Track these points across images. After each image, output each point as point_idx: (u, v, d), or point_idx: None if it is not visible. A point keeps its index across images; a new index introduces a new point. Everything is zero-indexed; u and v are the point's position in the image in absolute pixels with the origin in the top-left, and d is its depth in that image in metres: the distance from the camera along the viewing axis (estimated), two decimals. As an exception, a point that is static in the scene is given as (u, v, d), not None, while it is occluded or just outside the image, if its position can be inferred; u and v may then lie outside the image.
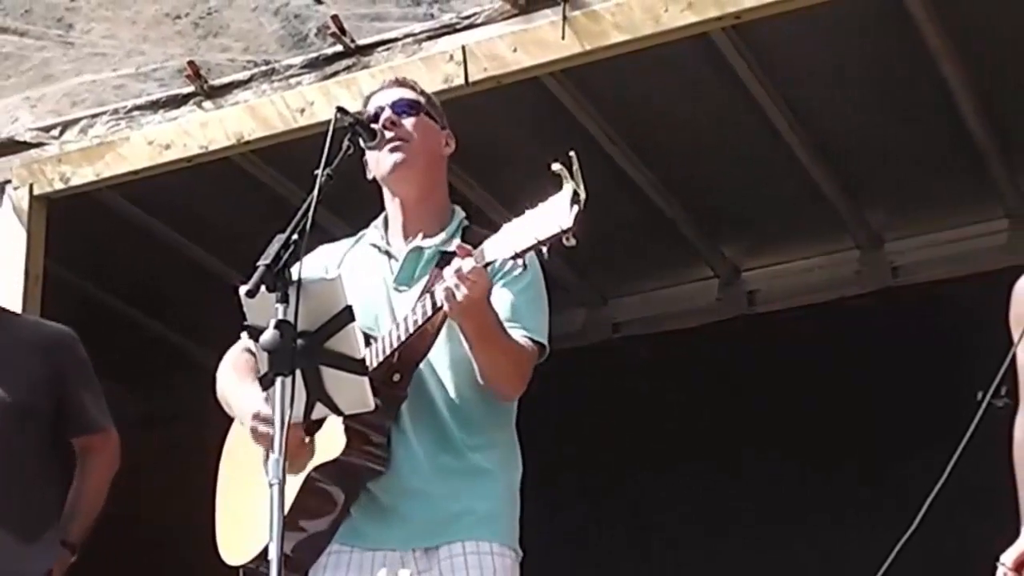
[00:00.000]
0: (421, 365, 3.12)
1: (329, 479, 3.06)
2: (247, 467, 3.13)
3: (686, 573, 5.82)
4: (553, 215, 2.73)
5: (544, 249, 2.76)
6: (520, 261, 2.81)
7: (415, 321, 3.02)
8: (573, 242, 2.72)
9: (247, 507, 3.12)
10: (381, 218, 3.34)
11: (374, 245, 3.31)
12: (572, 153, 2.77)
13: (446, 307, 2.89)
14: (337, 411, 2.93)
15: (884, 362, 5.72)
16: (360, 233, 3.39)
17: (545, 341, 3.13)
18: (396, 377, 3.07)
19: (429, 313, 3.00)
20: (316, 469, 3.05)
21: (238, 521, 3.18)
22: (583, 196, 2.73)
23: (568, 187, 2.74)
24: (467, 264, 2.84)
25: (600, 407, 6.20)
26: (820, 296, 6.16)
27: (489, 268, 3.05)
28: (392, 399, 3.06)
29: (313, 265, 3.26)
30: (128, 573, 6.25)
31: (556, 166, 2.79)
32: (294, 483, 3.02)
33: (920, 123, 5.37)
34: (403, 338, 3.03)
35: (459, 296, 2.84)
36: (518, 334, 3.07)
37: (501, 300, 3.09)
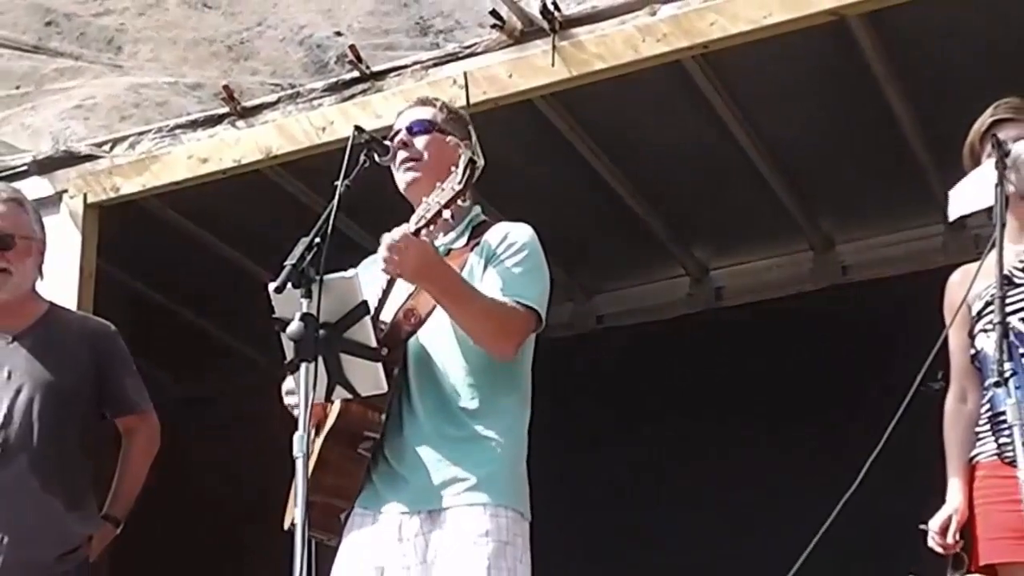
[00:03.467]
0: (426, 341, 3.09)
1: (336, 443, 3.04)
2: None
3: (664, 533, 5.83)
4: (451, 181, 2.89)
5: (447, 212, 2.90)
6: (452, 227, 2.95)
7: (379, 297, 3.03)
8: (468, 202, 2.94)
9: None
10: None
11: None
12: (470, 127, 2.95)
13: (392, 273, 2.94)
14: (355, 393, 2.94)
15: (834, 349, 5.72)
16: None
17: (536, 306, 3.05)
18: (385, 351, 3.02)
19: (384, 286, 3.02)
20: (326, 435, 3.04)
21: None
22: (480, 162, 2.90)
23: (465, 155, 2.88)
24: (395, 233, 2.88)
25: (585, 388, 6.19)
26: (779, 292, 6.16)
27: (485, 248, 3.11)
28: (386, 371, 3.00)
29: (364, 267, 3.27)
30: (172, 537, 6.25)
31: (451, 139, 2.96)
32: (315, 452, 3.01)
33: (866, 140, 5.37)
34: (371, 313, 3.00)
35: (393, 262, 2.88)
36: (508, 299, 3.03)
37: (498, 272, 3.07)
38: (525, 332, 3.08)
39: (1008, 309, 3.14)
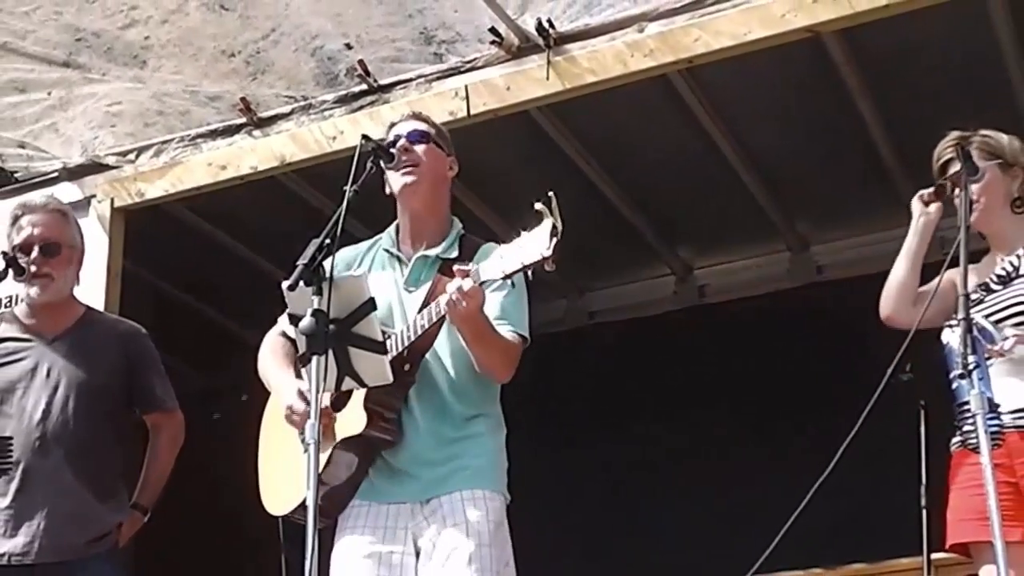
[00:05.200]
0: (430, 358, 3.13)
1: (352, 449, 3.08)
2: (283, 435, 3.14)
3: (652, 517, 5.83)
4: (536, 244, 2.75)
5: (529, 272, 2.81)
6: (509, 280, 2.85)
7: (423, 325, 3.05)
8: (553, 267, 2.74)
9: (285, 468, 3.12)
10: (393, 226, 3.34)
11: (387, 250, 3.30)
12: (551, 193, 2.77)
13: (449, 316, 2.94)
14: (362, 384, 2.94)
15: (810, 342, 5.72)
16: (376, 238, 3.38)
17: (527, 334, 3.14)
18: (407, 367, 3.08)
19: (435, 319, 3.03)
20: (342, 441, 3.06)
21: (279, 479, 3.19)
22: (560, 229, 2.75)
23: (548, 221, 2.75)
24: (467, 284, 2.88)
25: (577, 380, 6.19)
26: (758, 289, 6.16)
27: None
28: (403, 384, 3.07)
29: (336, 263, 3.27)
30: (190, 521, 6.25)
31: (538, 205, 2.79)
32: (324, 452, 3.03)
33: (840, 149, 5.38)
34: (413, 338, 3.05)
35: (460, 308, 2.88)
36: (506, 330, 3.08)
37: (493, 303, 3.09)
38: (518, 358, 3.14)
39: (988, 311, 3.16)
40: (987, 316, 3.19)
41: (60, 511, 3.72)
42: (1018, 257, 3.30)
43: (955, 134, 3.40)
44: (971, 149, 3.33)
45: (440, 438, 3.07)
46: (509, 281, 3.05)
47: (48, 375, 3.83)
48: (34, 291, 3.87)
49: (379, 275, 3.21)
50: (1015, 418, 3.10)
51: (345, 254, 3.31)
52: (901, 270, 3.38)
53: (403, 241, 3.27)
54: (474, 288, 2.87)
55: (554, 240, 2.72)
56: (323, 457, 3.01)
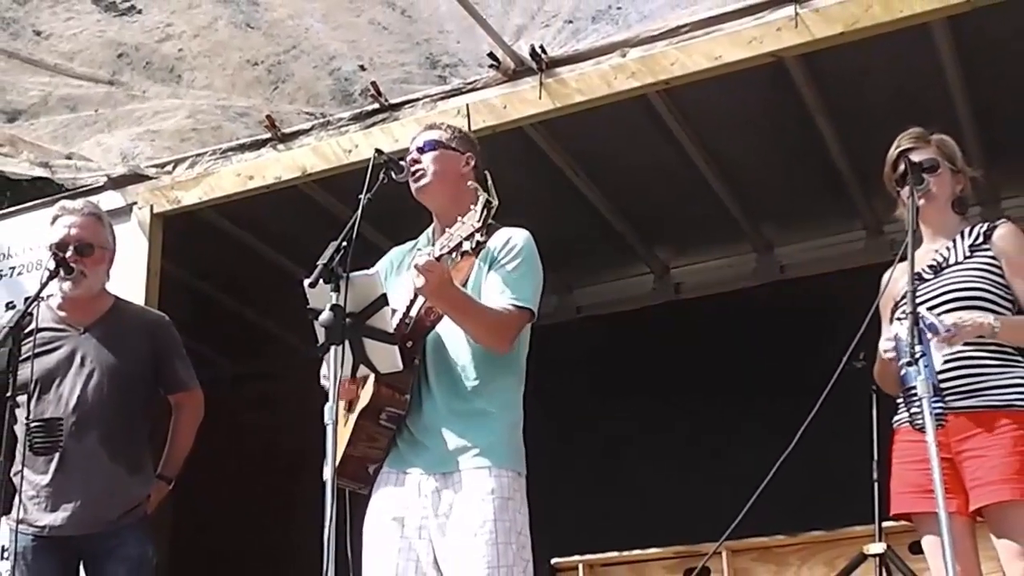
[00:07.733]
0: (443, 335, 3.09)
1: (368, 419, 3.06)
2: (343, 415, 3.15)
3: (636, 484, 5.85)
4: (471, 219, 2.84)
5: (467, 244, 2.85)
6: (470, 244, 2.86)
7: (405, 305, 3.05)
8: (484, 238, 2.87)
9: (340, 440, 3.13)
10: (431, 226, 3.34)
11: (419, 249, 3.29)
12: (487, 172, 2.88)
13: (417, 291, 2.94)
14: (375, 370, 2.95)
15: (773, 333, 5.72)
16: (423, 235, 3.37)
17: (529, 305, 3.05)
18: (409, 344, 3.05)
19: (411, 298, 3.04)
20: (360, 413, 3.06)
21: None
22: (495, 203, 2.83)
23: (483, 197, 2.83)
24: (420, 259, 2.88)
25: (567, 369, 6.19)
26: (727, 287, 6.17)
27: (489, 253, 3.09)
28: (408, 359, 3.04)
29: (383, 263, 3.29)
30: (225, 490, 6.26)
31: (471, 183, 2.93)
32: (350, 423, 3.05)
33: (800, 160, 5.38)
34: (400, 319, 3.03)
35: (419, 283, 2.87)
36: (505, 301, 3.03)
37: (497, 276, 3.07)
38: (518, 329, 3.08)
39: (922, 300, 3.16)
40: (924, 303, 3.19)
41: (95, 488, 3.72)
42: (948, 248, 3.32)
43: (917, 129, 3.40)
44: (931, 145, 3.35)
45: (452, 411, 3.04)
46: (516, 257, 3.07)
47: (82, 363, 3.83)
48: (67, 286, 3.87)
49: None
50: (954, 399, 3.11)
51: (393, 255, 3.33)
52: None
53: (436, 236, 3.24)
54: (429, 262, 2.85)
55: (485, 212, 2.81)
56: (350, 427, 3.03)
